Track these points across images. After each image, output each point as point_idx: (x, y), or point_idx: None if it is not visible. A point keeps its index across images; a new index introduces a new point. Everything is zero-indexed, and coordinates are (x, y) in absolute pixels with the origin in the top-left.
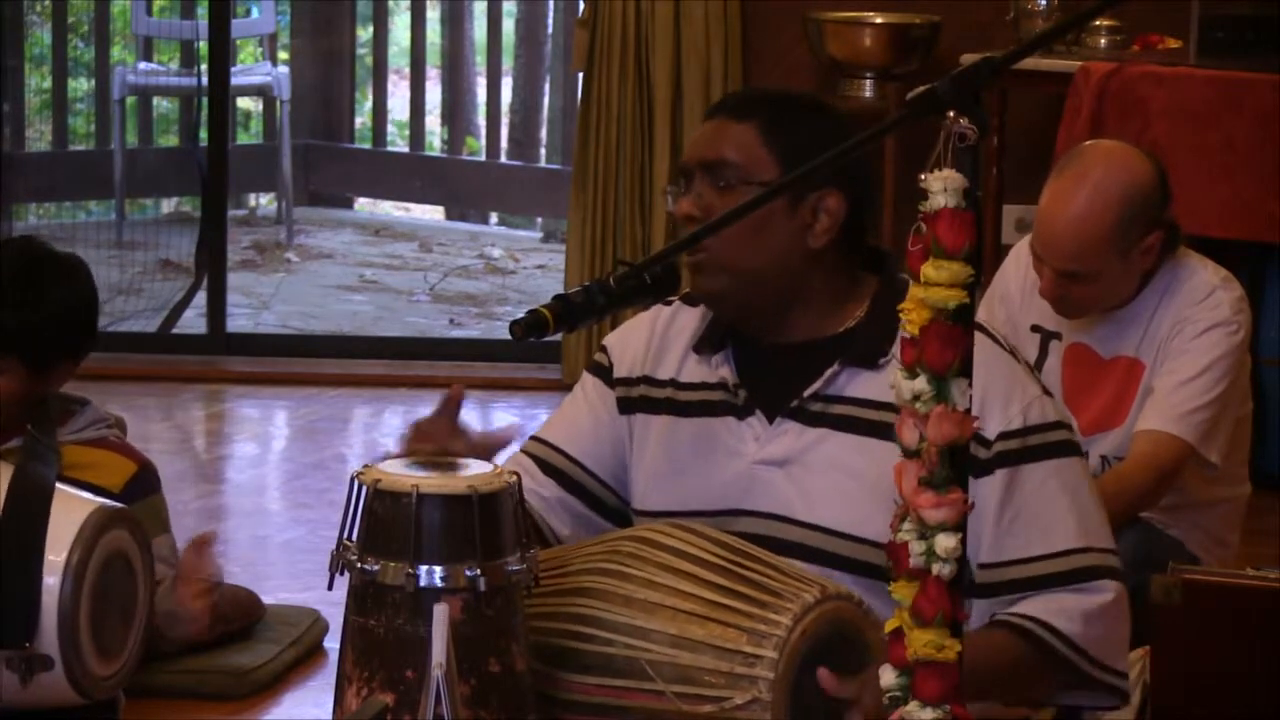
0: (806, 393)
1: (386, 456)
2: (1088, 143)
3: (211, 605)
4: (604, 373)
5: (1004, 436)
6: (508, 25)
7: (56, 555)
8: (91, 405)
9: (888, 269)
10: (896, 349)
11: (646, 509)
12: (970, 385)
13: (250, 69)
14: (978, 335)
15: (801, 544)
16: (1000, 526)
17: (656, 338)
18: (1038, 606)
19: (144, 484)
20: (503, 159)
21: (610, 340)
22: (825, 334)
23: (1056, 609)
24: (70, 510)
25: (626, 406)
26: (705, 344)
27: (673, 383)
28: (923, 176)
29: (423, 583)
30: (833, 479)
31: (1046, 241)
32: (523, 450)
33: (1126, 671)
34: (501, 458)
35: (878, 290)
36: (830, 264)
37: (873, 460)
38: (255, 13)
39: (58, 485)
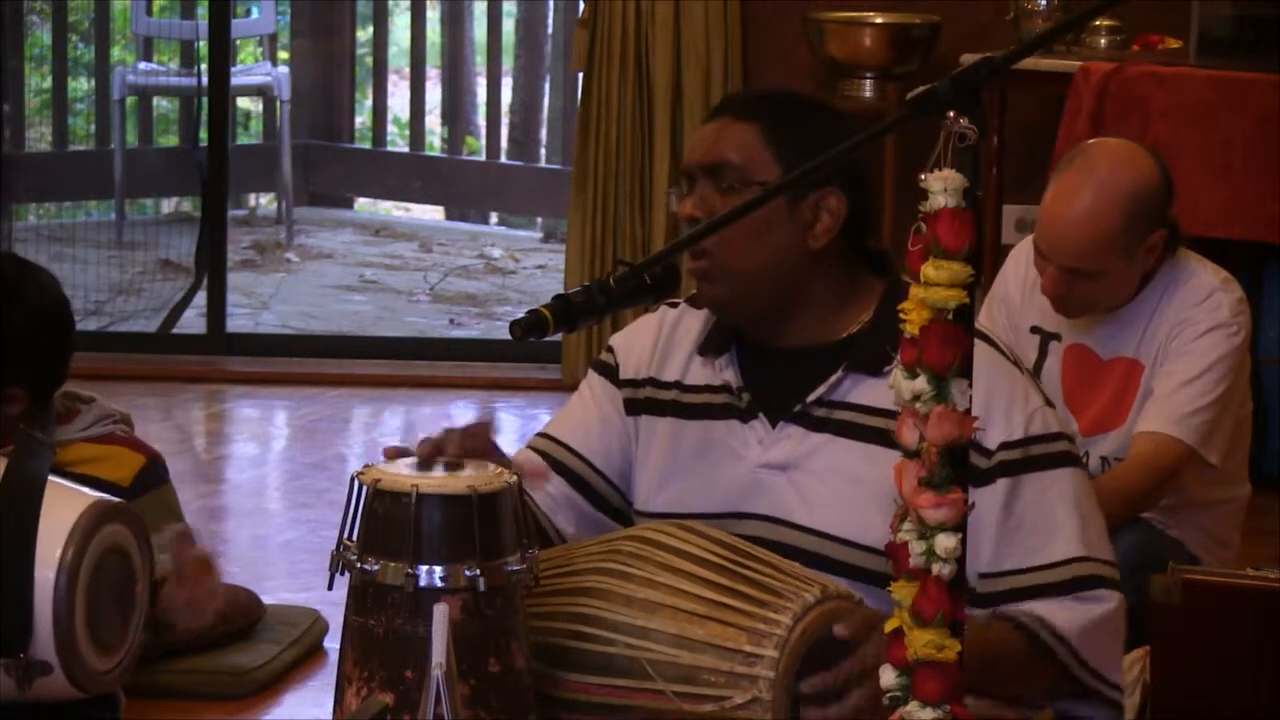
0: (810, 398)
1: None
2: (1091, 140)
3: (215, 587)
4: (610, 372)
5: (1005, 446)
6: (508, 25)
7: (49, 554)
8: (98, 402)
9: (893, 273)
10: None
11: (649, 510)
12: (970, 385)
13: (250, 69)
14: (982, 344)
15: (803, 549)
16: (1001, 537)
17: (662, 339)
18: (1038, 606)
19: (153, 476)
20: (503, 159)
21: (616, 340)
22: (830, 338)
23: (1056, 609)
24: (64, 507)
25: (633, 407)
26: (709, 347)
27: (678, 385)
28: (923, 176)
29: (422, 583)
30: (835, 485)
31: (1051, 239)
32: (530, 446)
33: (1121, 684)
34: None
35: (883, 295)
36: (832, 265)
37: (875, 467)
38: (255, 13)
39: (53, 480)
